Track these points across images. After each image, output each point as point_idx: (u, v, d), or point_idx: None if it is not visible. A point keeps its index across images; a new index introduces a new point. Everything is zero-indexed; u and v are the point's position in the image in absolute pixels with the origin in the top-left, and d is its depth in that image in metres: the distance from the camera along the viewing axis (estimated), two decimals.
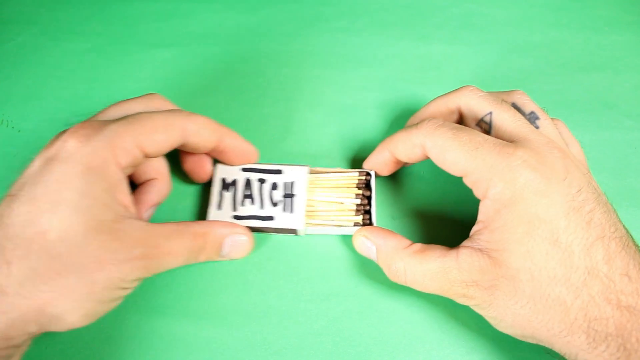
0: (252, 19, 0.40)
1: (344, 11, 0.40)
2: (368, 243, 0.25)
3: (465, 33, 0.39)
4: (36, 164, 0.20)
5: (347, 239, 0.29)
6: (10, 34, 0.39)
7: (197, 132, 0.23)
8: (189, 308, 0.27)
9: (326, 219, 0.28)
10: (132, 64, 0.37)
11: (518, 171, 0.21)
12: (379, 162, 0.28)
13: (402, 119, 0.34)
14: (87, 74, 0.37)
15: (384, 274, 0.25)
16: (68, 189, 0.19)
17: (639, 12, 0.40)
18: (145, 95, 0.25)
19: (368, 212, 0.28)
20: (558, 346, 0.20)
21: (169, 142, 0.22)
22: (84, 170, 0.19)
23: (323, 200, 0.28)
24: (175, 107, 0.26)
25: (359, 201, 0.28)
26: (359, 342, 0.26)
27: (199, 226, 0.24)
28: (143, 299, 0.27)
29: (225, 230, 0.25)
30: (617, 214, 0.22)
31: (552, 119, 0.26)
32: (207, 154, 0.27)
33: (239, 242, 0.25)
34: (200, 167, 0.28)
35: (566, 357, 0.20)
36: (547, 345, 0.21)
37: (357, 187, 0.28)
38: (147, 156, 0.22)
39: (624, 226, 0.21)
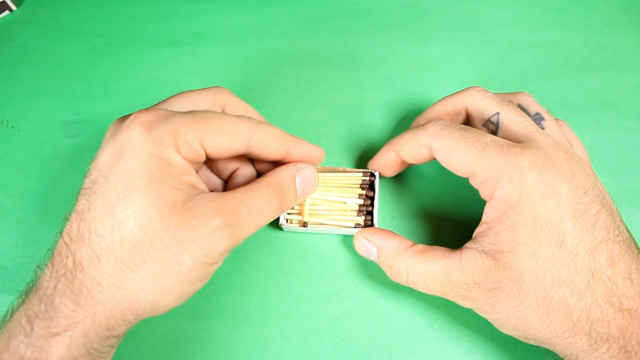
0: (252, 19, 0.40)
1: (344, 11, 0.40)
2: (369, 245, 0.25)
3: (465, 33, 0.39)
4: (105, 155, 0.20)
5: (347, 239, 0.29)
6: (10, 34, 0.39)
7: (263, 144, 0.23)
8: (189, 308, 0.27)
9: (328, 218, 0.28)
10: (132, 63, 0.37)
11: (525, 172, 0.21)
12: (384, 163, 0.28)
13: (402, 119, 0.34)
14: (86, 74, 0.37)
15: (384, 275, 0.25)
16: (137, 177, 0.19)
17: (639, 12, 0.40)
18: (211, 87, 0.24)
19: (370, 213, 0.28)
20: (559, 347, 0.20)
21: (232, 148, 0.22)
22: (150, 158, 0.19)
23: (326, 199, 0.28)
24: (241, 103, 0.25)
25: (361, 201, 0.28)
26: (359, 343, 0.26)
27: (269, 177, 0.23)
28: None
29: (290, 170, 0.24)
30: (620, 216, 0.22)
31: (556, 119, 0.26)
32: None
33: (307, 175, 0.25)
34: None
35: (567, 358, 0.20)
36: (548, 347, 0.21)
37: (360, 188, 0.28)
38: (208, 156, 0.22)
39: (626, 228, 0.21)
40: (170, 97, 0.23)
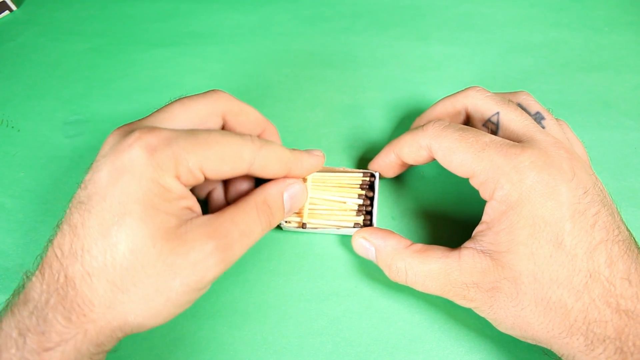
0: (252, 18, 0.40)
1: (344, 11, 0.40)
2: (367, 244, 0.25)
3: (465, 33, 0.39)
4: (104, 171, 0.19)
5: (347, 239, 0.29)
6: (10, 34, 0.39)
7: (265, 167, 0.23)
8: (189, 308, 0.27)
9: (327, 218, 0.28)
10: (132, 63, 0.37)
11: (525, 173, 0.21)
12: (385, 165, 0.28)
13: (402, 119, 0.34)
14: (86, 74, 0.37)
15: (384, 274, 0.25)
16: (132, 201, 0.19)
17: (639, 12, 0.40)
18: (210, 93, 0.24)
19: (369, 212, 0.28)
20: (556, 347, 0.20)
21: (233, 173, 0.22)
22: (148, 183, 0.19)
23: (325, 199, 0.28)
24: (242, 107, 0.25)
25: (361, 201, 0.28)
26: (358, 342, 0.26)
27: (256, 196, 0.23)
28: None
29: (278, 186, 0.24)
30: (620, 216, 0.22)
31: (556, 119, 0.25)
32: None
33: (295, 191, 0.24)
34: None
35: (564, 358, 0.20)
36: (545, 346, 0.21)
37: (360, 188, 0.28)
38: (207, 179, 0.21)
39: (627, 228, 0.21)
40: (169, 105, 0.23)
